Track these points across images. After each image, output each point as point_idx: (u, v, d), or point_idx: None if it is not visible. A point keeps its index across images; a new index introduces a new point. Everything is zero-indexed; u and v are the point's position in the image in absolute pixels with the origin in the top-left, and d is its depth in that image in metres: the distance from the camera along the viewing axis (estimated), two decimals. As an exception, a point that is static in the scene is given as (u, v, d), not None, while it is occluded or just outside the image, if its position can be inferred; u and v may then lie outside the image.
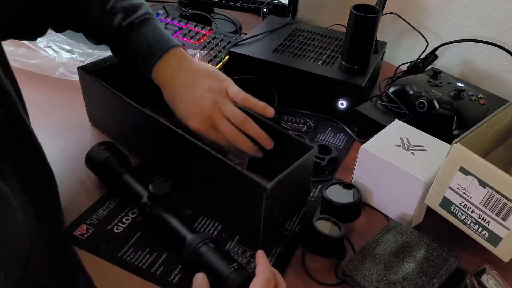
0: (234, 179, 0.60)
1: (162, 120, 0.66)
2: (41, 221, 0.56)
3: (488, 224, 0.58)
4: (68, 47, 0.97)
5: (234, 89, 0.67)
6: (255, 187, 0.57)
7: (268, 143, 0.66)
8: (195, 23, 1.08)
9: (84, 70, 0.75)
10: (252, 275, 0.52)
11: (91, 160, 0.69)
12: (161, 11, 1.16)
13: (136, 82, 0.75)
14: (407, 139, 0.69)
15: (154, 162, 0.74)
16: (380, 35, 1.06)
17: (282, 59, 0.91)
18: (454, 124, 0.77)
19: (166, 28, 1.07)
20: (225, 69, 0.95)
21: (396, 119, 0.75)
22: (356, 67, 0.86)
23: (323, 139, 0.85)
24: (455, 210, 0.61)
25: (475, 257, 0.63)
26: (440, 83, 0.83)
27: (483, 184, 0.56)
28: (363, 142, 0.69)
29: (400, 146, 0.68)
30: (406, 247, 0.61)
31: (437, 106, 0.78)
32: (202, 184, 0.67)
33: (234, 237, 0.64)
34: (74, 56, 0.95)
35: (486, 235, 0.58)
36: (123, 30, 0.68)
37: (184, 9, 1.20)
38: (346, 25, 0.85)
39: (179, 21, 1.09)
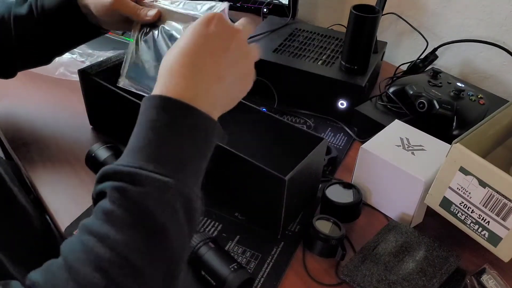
0: (253, 173, 0.60)
1: None
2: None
3: (488, 224, 0.58)
4: (68, 47, 0.96)
5: None
6: (274, 180, 0.57)
7: None
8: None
9: (85, 72, 0.75)
10: (252, 276, 0.52)
11: (91, 159, 0.69)
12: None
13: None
14: (407, 139, 0.69)
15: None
16: (380, 35, 1.06)
17: (282, 59, 0.91)
18: (454, 124, 0.77)
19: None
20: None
21: (396, 119, 0.75)
22: (356, 67, 0.86)
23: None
24: (455, 210, 0.61)
25: (475, 257, 0.63)
26: (440, 83, 0.83)
27: (483, 184, 0.56)
28: (363, 142, 0.69)
29: (400, 146, 0.68)
30: (406, 247, 0.61)
31: (437, 106, 0.78)
32: (219, 180, 0.67)
33: (234, 237, 0.64)
34: (74, 56, 0.95)
35: (486, 235, 0.58)
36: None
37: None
38: (346, 25, 0.85)
39: (179, 21, 1.09)
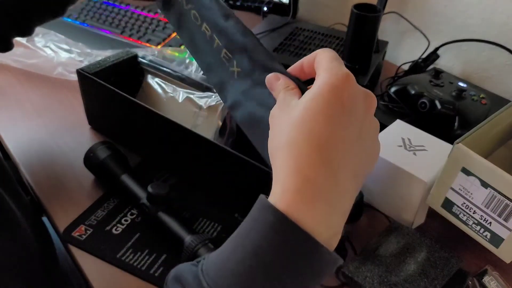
0: (253, 174, 0.60)
1: (166, 116, 0.65)
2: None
3: (490, 225, 0.57)
4: (66, 47, 0.96)
5: None
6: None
7: None
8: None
9: (83, 72, 0.74)
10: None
11: (89, 160, 0.68)
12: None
13: (135, 82, 0.75)
14: (409, 139, 0.69)
15: (158, 158, 0.74)
16: (381, 35, 1.05)
17: (282, 58, 0.90)
18: (456, 124, 0.77)
19: (165, 27, 1.07)
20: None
21: (397, 119, 0.75)
22: (357, 67, 0.86)
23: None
24: (456, 211, 0.60)
25: (477, 258, 0.63)
26: (442, 82, 0.83)
27: (485, 184, 0.56)
28: (364, 142, 0.69)
29: (401, 146, 0.68)
30: (407, 249, 0.61)
31: (439, 106, 0.77)
32: (218, 180, 0.67)
33: (233, 238, 0.64)
34: (72, 55, 0.94)
35: (488, 236, 0.58)
36: None
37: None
38: (347, 24, 0.84)
39: (179, 20, 1.09)
